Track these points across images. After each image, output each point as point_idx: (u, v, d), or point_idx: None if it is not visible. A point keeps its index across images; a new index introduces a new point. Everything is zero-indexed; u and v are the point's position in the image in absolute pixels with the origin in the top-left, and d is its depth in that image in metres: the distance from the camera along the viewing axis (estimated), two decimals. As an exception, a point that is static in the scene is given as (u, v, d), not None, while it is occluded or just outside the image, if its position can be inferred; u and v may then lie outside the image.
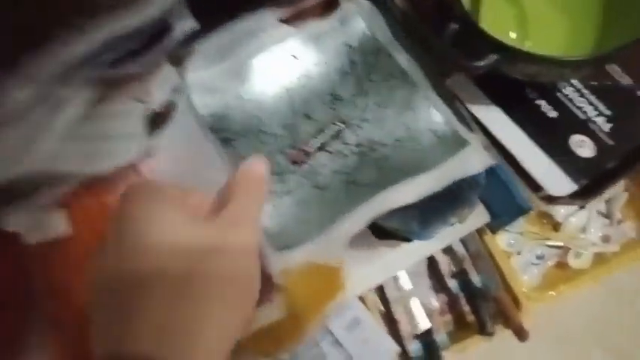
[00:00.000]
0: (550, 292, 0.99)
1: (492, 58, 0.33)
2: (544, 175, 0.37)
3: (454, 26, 0.34)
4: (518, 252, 1.04)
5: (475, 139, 0.42)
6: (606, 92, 0.39)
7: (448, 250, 0.98)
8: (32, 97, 0.31)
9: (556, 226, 1.06)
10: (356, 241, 0.86)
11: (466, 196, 0.78)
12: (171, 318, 0.26)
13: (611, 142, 0.38)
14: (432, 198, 0.75)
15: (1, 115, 0.31)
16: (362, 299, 0.92)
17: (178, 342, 0.26)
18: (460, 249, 0.99)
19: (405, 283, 0.95)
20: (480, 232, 0.99)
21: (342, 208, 0.39)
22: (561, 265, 1.04)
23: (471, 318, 0.95)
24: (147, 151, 0.36)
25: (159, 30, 0.33)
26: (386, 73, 0.41)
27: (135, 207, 0.29)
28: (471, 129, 0.42)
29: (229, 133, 0.38)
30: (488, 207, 0.90)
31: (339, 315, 0.90)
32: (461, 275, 0.96)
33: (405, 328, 0.91)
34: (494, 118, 0.38)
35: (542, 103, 0.39)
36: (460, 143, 0.41)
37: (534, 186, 0.37)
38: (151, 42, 0.33)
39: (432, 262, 0.98)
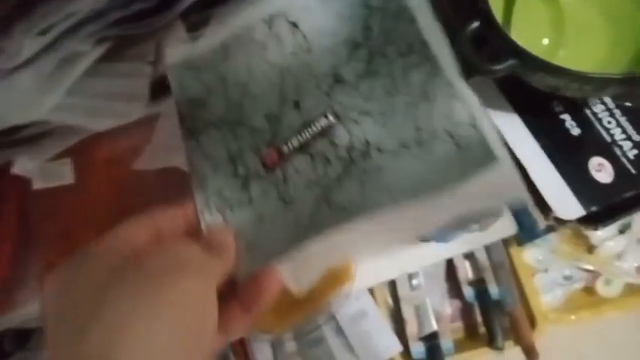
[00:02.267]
0: (571, 316, 0.95)
1: (511, 63, 0.31)
2: (553, 195, 0.34)
3: (475, 22, 0.32)
4: (546, 269, 1.00)
5: (507, 156, 0.29)
6: (639, 116, 0.36)
7: (470, 257, 0.95)
8: (43, 48, 0.32)
9: (590, 249, 1.01)
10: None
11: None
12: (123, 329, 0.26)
13: (633, 171, 0.34)
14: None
15: (14, 63, 0.32)
16: (372, 292, 0.91)
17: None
18: (483, 257, 0.96)
19: (419, 283, 0.93)
20: (506, 243, 0.95)
21: (298, 234, 0.31)
22: (588, 290, 0.99)
23: (482, 329, 0.93)
24: (151, 114, 0.37)
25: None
26: (404, 46, 0.31)
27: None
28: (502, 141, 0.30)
29: (201, 123, 0.33)
30: (517, 218, 0.87)
31: (346, 304, 0.90)
32: (478, 284, 0.93)
33: (411, 328, 0.90)
34: (513, 128, 0.36)
35: (567, 119, 0.36)
36: (487, 157, 0.28)
37: (542, 204, 0.35)
38: (163, 4, 0.33)
39: (450, 267, 0.96)
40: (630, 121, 0.36)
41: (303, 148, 0.32)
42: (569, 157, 0.35)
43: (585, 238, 1.02)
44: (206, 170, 0.33)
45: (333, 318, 0.90)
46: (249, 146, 0.33)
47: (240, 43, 0.33)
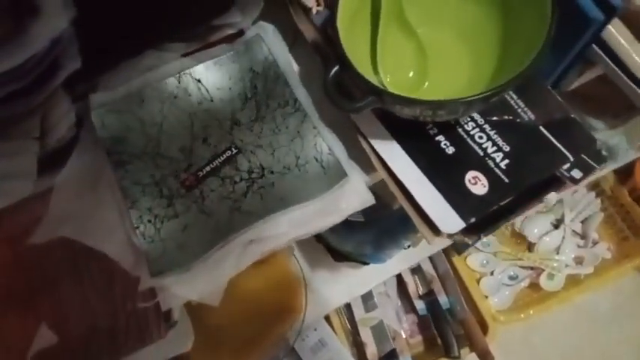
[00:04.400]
0: (520, 315, 0.98)
1: (369, 99, 0.34)
2: (435, 212, 0.36)
3: (336, 67, 0.35)
4: (491, 272, 1.03)
5: (357, 173, 0.42)
6: (507, 128, 0.39)
7: (417, 270, 0.98)
8: None
9: (530, 247, 1.05)
10: (320, 263, 0.87)
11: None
12: None
13: (506, 180, 0.37)
14: (384, 222, 0.76)
15: None
16: (329, 320, 0.92)
17: None
18: (429, 270, 0.98)
19: (374, 303, 0.95)
20: (447, 253, 0.98)
21: (220, 236, 0.38)
22: (534, 286, 1.03)
23: (439, 340, 0.94)
24: (44, 188, 0.37)
25: (46, 69, 0.35)
26: (281, 101, 0.43)
27: None
28: (354, 163, 0.43)
29: (125, 156, 0.40)
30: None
31: (304, 337, 0.90)
32: (428, 296, 0.95)
33: (370, 350, 0.91)
34: (393, 154, 0.39)
35: (442, 139, 0.39)
36: (340, 175, 0.40)
37: (428, 221, 0.37)
38: (39, 81, 0.35)
39: (401, 283, 0.98)
40: (499, 133, 0.39)
41: (214, 172, 0.40)
42: (445, 174, 0.38)
43: (523, 237, 1.06)
44: (136, 194, 0.39)
45: (295, 354, 0.90)
46: (170, 173, 0.40)
47: (153, 91, 0.42)
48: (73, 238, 0.36)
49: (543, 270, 1.02)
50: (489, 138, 0.39)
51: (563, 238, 1.05)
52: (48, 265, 0.39)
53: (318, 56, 0.43)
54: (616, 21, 0.43)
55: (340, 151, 0.41)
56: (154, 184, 0.40)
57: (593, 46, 0.45)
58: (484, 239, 1.05)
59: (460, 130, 0.40)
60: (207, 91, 0.42)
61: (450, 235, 0.37)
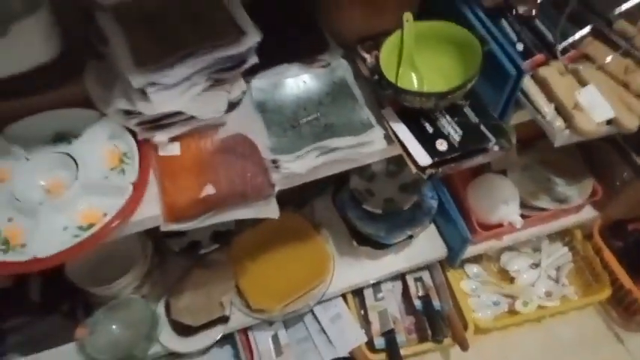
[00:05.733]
0: (496, 325, 1.24)
1: (389, 90, 0.72)
2: (417, 155, 0.71)
3: (377, 77, 0.73)
4: (479, 295, 1.31)
5: (378, 129, 0.75)
6: (462, 123, 0.74)
7: (419, 279, 1.27)
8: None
9: (512, 280, 1.33)
10: (345, 250, 1.19)
11: (421, 219, 1.12)
12: None
13: (457, 146, 0.72)
14: (395, 216, 1.09)
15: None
16: (345, 301, 1.21)
17: None
18: (428, 280, 1.27)
19: (382, 296, 1.23)
20: (443, 268, 1.28)
21: (307, 143, 0.72)
22: (511, 311, 1.29)
23: (429, 331, 1.19)
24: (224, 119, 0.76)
25: (240, 60, 0.74)
26: (346, 95, 0.80)
27: None
28: (379, 124, 0.77)
29: (265, 109, 0.77)
30: (446, 243, 1.22)
31: (326, 308, 1.19)
32: (425, 298, 1.23)
33: (375, 327, 1.18)
34: (402, 131, 0.75)
35: (426, 124, 0.75)
36: (370, 127, 0.75)
37: (414, 162, 0.72)
38: (237, 65, 0.74)
39: (405, 287, 1.27)
40: (457, 124, 0.74)
41: (307, 122, 0.79)
42: (426, 140, 0.73)
43: (506, 273, 1.34)
44: (269, 125, 0.77)
45: (316, 321, 1.18)
46: (285, 120, 0.79)
47: (282, 83, 0.81)
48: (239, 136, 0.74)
49: (519, 298, 1.29)
50: (452, 126, 0.75)
51: (539, 277, 1.32)
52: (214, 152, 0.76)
53: (366, 80, 0.82)
54: (528, 78, 0.80)
55: (372, 119, 0.77)
56: (278, 123, 0.77)
57: (519, 94, 0.81)
58: (475, 270, 1.34)
59: (437, 121, 0.76)
60: (308, 86, 0.81)
61: (422, 168, 0.71)
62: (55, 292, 0.93)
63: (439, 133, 0.74)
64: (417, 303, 1.22)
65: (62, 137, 0.78)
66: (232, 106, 0.77)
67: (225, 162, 0.75)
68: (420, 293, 1.24)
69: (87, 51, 0.78)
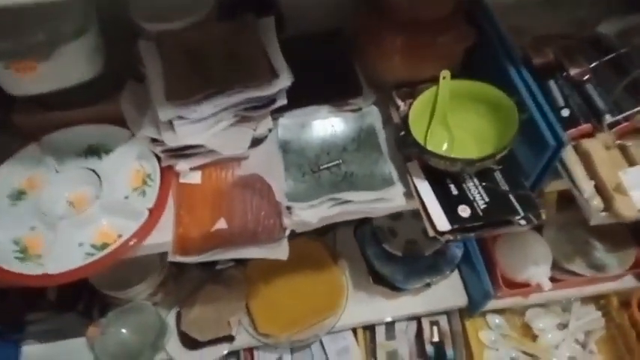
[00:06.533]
0: (510, 386, 1.18)
1: (415, 149, 0.69)
2: (437, 218, 0.68)
3: (403, 132, 0.70)
4: (497, 349, 1.25)
5: (399, 186, 0.73)
6: (490, 189, 0.71)
7: (435, 323, 1.23)
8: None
9: (534, 338, 1.27)
10: (361, 287, 1.17)
11: (442, 267, 1.08)
12: None
13: (480, 214, 0.69)
14: (416, 262, 1.06)
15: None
16: (355, 335, 1.19)
17: None
18: (445, 325, 1.23)
19: (394, 335, 1.21)
20: (462, 315, 1.23)
21: (325, 192, 0.71)
22: (530, 371, 1.23)
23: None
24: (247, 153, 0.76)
25: (269, 100, 0.74)
26: (371, 144, 0.78)
27: None
28: (400, 181, 0.74)
29: (288, 149, 0.76)
30: (467, 292, 1.17)
31: (334, 340, 1.18)
32: (438, 344, 1.20)
33: (381, 366, 1.16)
34: (425, 189, 0.72)
35: (452, 185, 0.72)
36: (390, 184, 0.72)
37: (432, 225, 0.69)
38: (265, 104, 0.74)
39: (420, 330, 1.23)
40: (484, 189, 0.71)
41: (327, 169, 0.78)
42: (448, 202, 0.69)
43: (530, 329, 1.28)
44: (289, 167, 0.76)
45: (324, 352, 1.17)
46: (307, 163, 0.78)
47: (309, 124, 0.80)
48: (257, 176, 0.74)
49: (540, 359, 1.23)
50: (478, 191, 0.71)
51: (564, 339, 1.25)
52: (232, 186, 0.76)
53: (396, 129, 0.80)
54: (569, 148, 0.75)
55: (394, 174, 0.75)
56: (298, 165, 0.76)
57: (557, 163, 0.76)
58: (497, 321, 1.29)
59: (463, 183, 0.72)
60: (335, 130, 0.80)
61: (440, 233, 0.68)
62: (72, 292, 0.97)
63: (463, 198, 0.71)
64: (430, 349, 1.19)
65: (94, 151, 0.81)
66: (257, 141, 0.77)
67: (242, 196, 0.76)
68: (435, 339, 1.21)
69: (128, 70, 0.80)
